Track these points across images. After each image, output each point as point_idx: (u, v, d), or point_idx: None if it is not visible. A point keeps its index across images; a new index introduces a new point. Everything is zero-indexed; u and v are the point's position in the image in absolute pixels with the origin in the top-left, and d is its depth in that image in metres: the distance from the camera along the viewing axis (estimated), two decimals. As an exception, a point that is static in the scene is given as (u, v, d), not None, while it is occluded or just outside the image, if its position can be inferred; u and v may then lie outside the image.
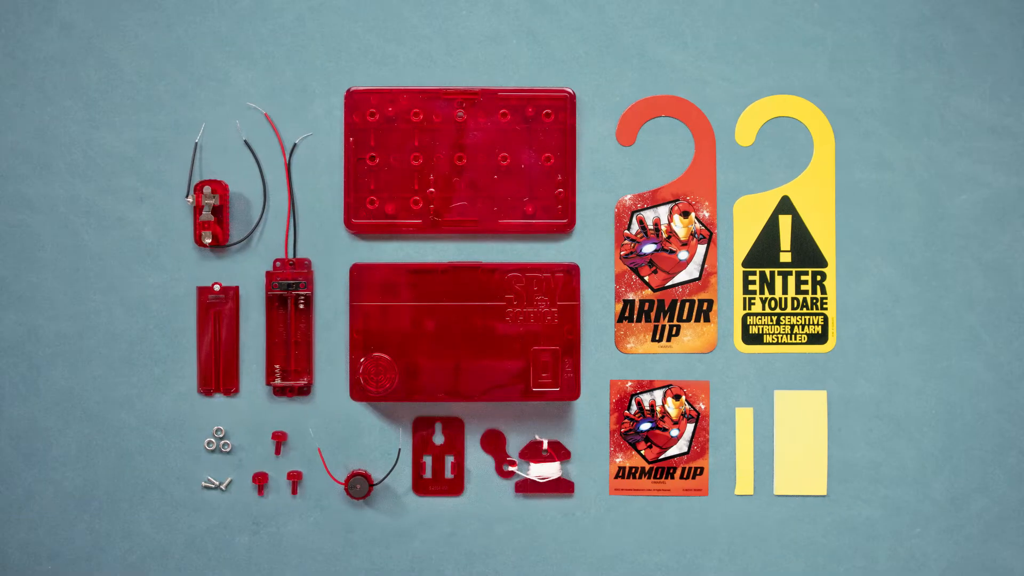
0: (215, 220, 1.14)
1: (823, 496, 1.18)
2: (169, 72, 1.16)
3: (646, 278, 1.18)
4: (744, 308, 1.19)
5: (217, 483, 1.17)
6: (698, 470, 1.18)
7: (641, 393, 1.18)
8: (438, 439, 1.17)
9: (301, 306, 1.16)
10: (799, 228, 1.18)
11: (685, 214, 1.18)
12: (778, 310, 1.18)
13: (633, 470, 1.18)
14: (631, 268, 1.18)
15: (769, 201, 1.18)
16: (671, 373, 1.18)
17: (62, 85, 1.15)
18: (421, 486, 1.18)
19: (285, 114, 1.16)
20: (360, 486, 1.13)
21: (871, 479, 1.18)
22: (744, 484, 1.18)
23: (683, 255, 1.18)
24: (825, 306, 1.18)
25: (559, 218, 1.17)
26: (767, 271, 1.19)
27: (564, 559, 1.18)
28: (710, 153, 1.18)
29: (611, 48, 1.17)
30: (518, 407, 1.17)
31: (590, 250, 1.18)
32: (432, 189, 1.16)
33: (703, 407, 1.18)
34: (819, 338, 1.18)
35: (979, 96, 1.17)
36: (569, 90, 1.16)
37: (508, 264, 1.13)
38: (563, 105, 1.16)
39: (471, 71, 1.17)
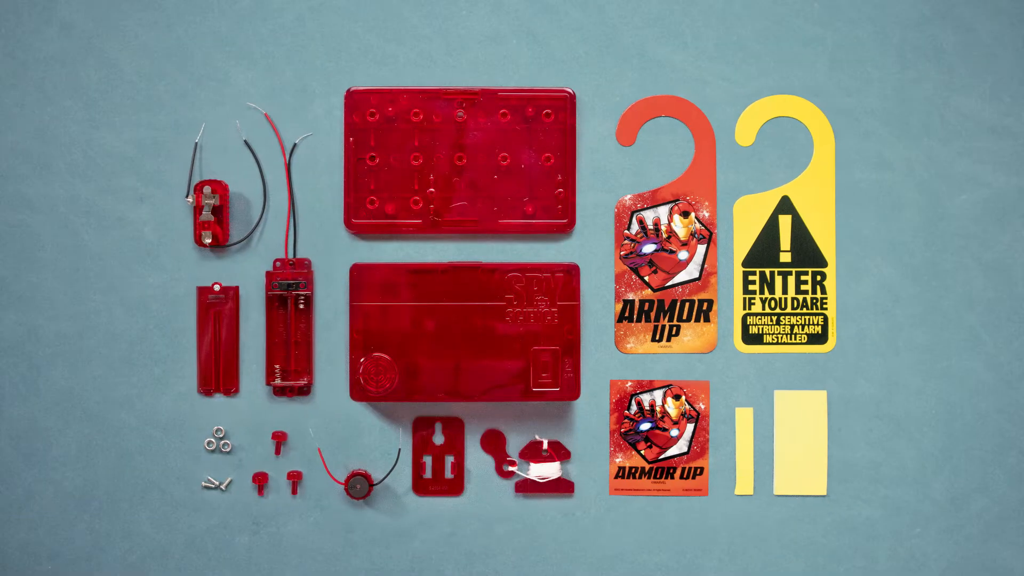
0: (215, 220, 1.14)
1: (823, 496, 1.18)
2: (169, 72, 1.16)
3: (646, 278, 1.18)
4: (744, 308, 1.19)
5: (217, 483, 1.17)
6: (698, 470, 1.18)
7: (641, 393, 1.18)
8: (438, 439, 1.17)
9: (301, 306, 1.16)
10: (799, 228, 1.18)
11: (685, 214, 1.18)
12: (778, 310, 1.18)
13: (633, 470, 1.18)
14: (631, 268, 1.18)
15: (769, 201, 1.18)
16: (671, 373, 1.18)
17: (62, 85, 1.15)
18: (421, 486, 1.18)
19: (285, 114, 1.16)
20: (360, 486, 1.13)
21: (871, 479, 1.18)
22: (744, 484, 1.18)
23: (683, 255, 1.18)
24: (825, 306, 1.18)
25: (559, 218, 1.17)
26: (767, 271, 1.19)
27: (564, 559, 1.18)
28: (710, 153, 1.18)
29: (611, 48, 1.17)
30: (518, 407, 1.17)
31: (590, 250, 1.18)
32: (432, 189, 1.16)
33: (703, 407, 1.18)
34: (819, 338, 1.18)
35: (979, 96, 1.17)
36: (569, 90, 1.16)
37: (508, 264, 1.13)
38: (563, 105, 1.16)
39: (471, 71, 1.17)
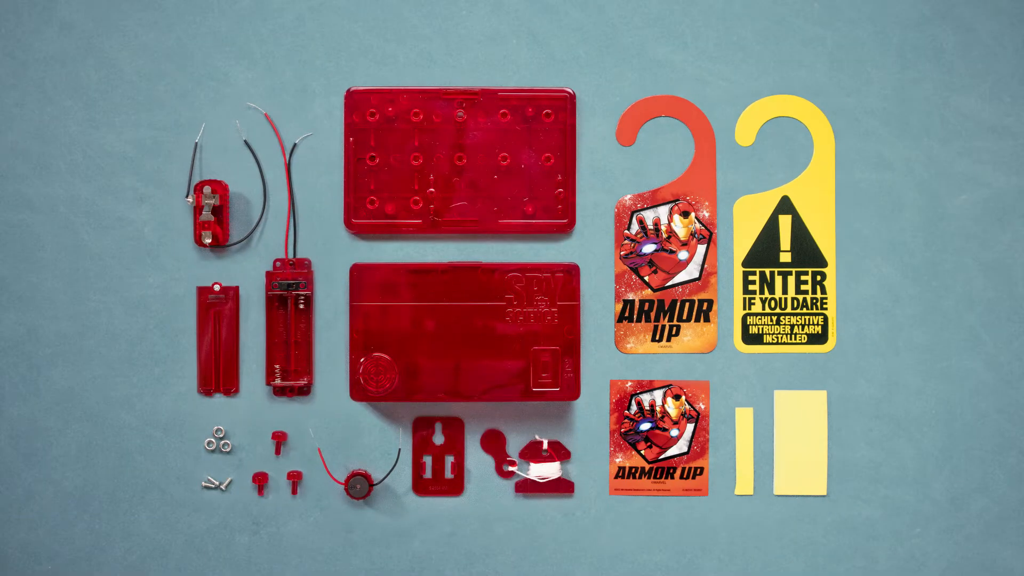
0: (215, 220, 1.14)
1: (823, 496, 1.18)
2: (169, 72, 1.16)
3: (646, 278, 1.18)
4: (744, 308, 1.19)
5: (217, 483, 1.17)
6: (698, 470, 1.18)
7: (641, 393, 1.18)
8: (438, 439, 1.17)
9: (301, 306, 1.16)
10: (799, 228, 1.18)
11: (685, 214, 1.18)
12: (778, 310, 1.18)
13: (633, 470, 1.18)
14: (631, 268, 1.18)
15: (769, 201, 1.18)
16: (671, 373, 1.18)
17: (62, 85, 1.15)
18: (421, 486, 1.18)
19: (285, 114, 1.16)
20: (360, 486, 1.13)
21: (871, 479, 1.18)
22: (744, 484, 1.18)
23: (683, 255, 1.18)
24: (825, 306, 1.18)
25: (559, 218, 1.17)
26: (767, 271, 1.19)
27: (564, 559, 1.18)
28: (710, 153, 1.18)
29: (611, 48, 1.17)
30: (518, 407, 1.17)
31: (590, 250, 1.18)
32: (432, 189, 1.16)
33: (703, 407, 1.18)
34: (819, 338, 1.18)
35: (979, 96, 1.17)
36: (569, 90, 1.16)
37: (508, 264, 1.13)
38: (563, 105, 1.16)
39: (471, 71, 1.17)
